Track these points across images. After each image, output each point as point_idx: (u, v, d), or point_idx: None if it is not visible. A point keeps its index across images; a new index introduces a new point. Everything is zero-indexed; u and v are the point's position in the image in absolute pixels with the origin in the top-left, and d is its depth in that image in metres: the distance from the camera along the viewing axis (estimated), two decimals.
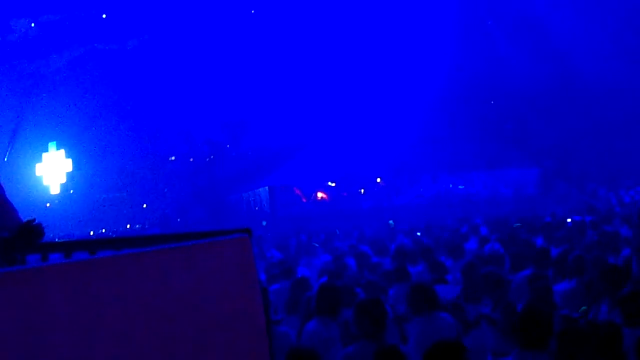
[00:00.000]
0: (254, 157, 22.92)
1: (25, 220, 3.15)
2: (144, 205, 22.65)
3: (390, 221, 14.49)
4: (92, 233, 19.37)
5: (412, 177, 21.60)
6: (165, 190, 22.97)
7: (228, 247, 2.56)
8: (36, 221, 3.11)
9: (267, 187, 21.57)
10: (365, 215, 19.17)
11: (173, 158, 23.56)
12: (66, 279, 2.08)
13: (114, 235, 18.83)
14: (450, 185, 21.95)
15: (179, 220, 21.66)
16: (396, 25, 21.70)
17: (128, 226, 21.91)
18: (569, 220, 12.87)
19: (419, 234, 13.21)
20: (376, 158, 21.02)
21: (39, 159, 21.77)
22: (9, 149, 21.71)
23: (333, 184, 21.45)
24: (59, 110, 21.60)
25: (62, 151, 21.64)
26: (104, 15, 22.14)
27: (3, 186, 3.25)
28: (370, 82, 21.64)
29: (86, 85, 22.00)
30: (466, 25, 22.19)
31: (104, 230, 20.76)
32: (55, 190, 21.78)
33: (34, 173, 21.73)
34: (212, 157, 23.58)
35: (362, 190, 21.20)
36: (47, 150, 21.72)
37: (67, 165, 21.65)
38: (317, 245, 12.27)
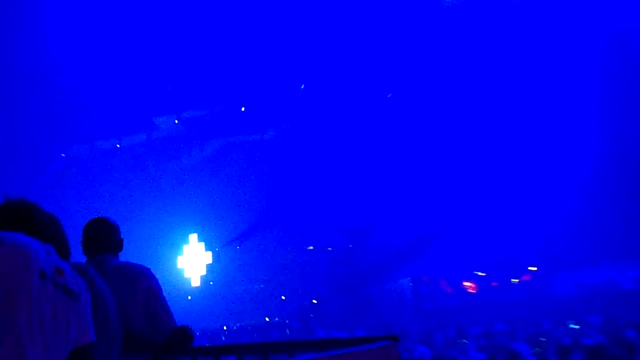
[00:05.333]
0: (395, 245, 22.66)
1: (175, 323, 3.38)
2: (283, 298, 22.94)
3: (465, 340, 13.70)
4: (225, 328, 19.75)
5: (570, 265, 20.23)
6: (303, 281, 23.05)
7: (375, 356, 2.65)
8: (187, 325, 3.35)
9: (409, 278, 21.32)
10: (519, 307, 18.28)
11: (311, 248, 23.73)
12: None
13: (252, 329, 19.71)
14: (616, 274, 20.37)
15: (316, 313, 21.83)
16: (540, 114, 21.13)
17: (267, 319, 22.22)
18: None
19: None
20: (530, 244, 20.17)
21: (180, 251, 22.88)
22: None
23: (482, 274, 20.86)
24: (199, 202, 22.74)
25: (202, 244, 22.67)
26: (242, 109, 23.33)
27: (161, 287, 3.49)
28: (522, 165, 21.13)
29: (225, 177, 23.16)
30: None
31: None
32: (196, 282, 22.68)
33: (176, 265, 22.75)
34: (350, 246, 23.58)
35: (515, 280, 20.27)
36: (187, 242, 22.79)
37: (207, 257, 22.61)
38: (466, 341, 11.91)
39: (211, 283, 22.93)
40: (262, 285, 23.30)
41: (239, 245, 23.51)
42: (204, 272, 22.68)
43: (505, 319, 15.67)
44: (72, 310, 2.22)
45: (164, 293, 3.51)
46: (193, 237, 22.84)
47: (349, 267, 23.20)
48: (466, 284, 20.98)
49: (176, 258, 22.96)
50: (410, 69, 21.70)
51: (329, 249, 23.85)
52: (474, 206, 21.50)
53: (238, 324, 21.26)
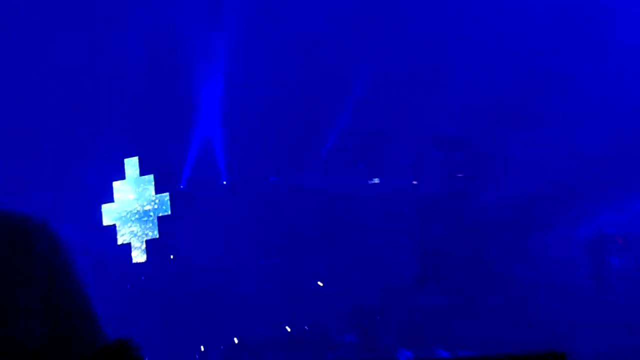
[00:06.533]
0: (556, 174, 20.99)
1: (106, 335, 3.05)
2: (320, 284, 21.18)
3: None
4: (202, 349, 19.73)
5: None
6: (362, 252, 21.19)
7: None
8: (126, 339, 2.90)
9: (586, 235, 20.58)
10: None
11: (377, 181, 22.09)
12: None
13: None
14: None
15: (387, 314, 20.24)
16: None
17: (288, 329, 20.60)
18: None
19: None
20: None
21: (109, 193, 21.37)
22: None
23: None
24: (141, 95, 21.38)
25: (151, 178, 21.18)
26: None
27: (73, 259, 3.12)
28: None
29: (197, 40, 21.61)
30: None
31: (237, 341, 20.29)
32: (139, 255, 21.13)
33: (101, 220, 21.36)
34: (460, 176, 21.74)
35: None
36: (123, 177, 21.24)
37: (161, 205, 21.10)
38: None
39: (172, 257, 21.59)
40: (276, 260, 21.53)
41: (226, 180, 21.75)
42: (155, 233, 20.92)
43: None
44: None
45: (79, 272, 3.11)
46: (131, 164, 21.06)
47: (456, 222, 21.95)
48: None
49: (100, 206, 21.26)
50: None
51: (414, 182, 22.13)
52: None
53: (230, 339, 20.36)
